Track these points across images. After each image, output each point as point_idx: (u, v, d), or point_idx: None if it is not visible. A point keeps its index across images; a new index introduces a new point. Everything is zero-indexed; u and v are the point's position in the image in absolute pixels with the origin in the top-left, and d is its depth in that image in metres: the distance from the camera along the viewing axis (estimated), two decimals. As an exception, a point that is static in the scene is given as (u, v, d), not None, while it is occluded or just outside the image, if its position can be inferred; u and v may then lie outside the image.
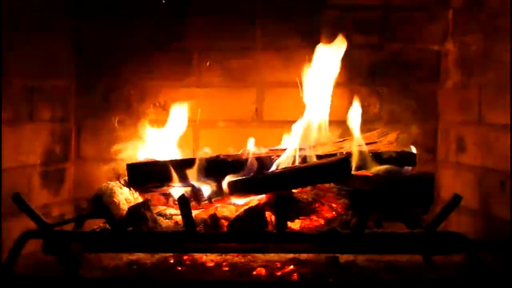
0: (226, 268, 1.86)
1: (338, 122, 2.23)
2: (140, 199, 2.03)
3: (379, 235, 1.87)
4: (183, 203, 1.79)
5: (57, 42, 2.35)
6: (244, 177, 1.97)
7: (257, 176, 1.97)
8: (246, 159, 2.01)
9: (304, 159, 2.05)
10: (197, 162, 2.01)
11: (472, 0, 2.25)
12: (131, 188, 2.04)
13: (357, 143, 2.10)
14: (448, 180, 2.36)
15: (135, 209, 1.90)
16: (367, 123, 2.27)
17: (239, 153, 2.10)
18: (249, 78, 2.48)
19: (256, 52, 2.46)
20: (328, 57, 2.21)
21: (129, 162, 2.07)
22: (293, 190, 1.99)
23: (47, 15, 2.27)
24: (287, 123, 2.20)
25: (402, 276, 1.81)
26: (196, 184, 2.01)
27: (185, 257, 1.93)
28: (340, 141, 2.18)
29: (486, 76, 2.12)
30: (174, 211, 2.05)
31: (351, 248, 1.89)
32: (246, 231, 1.85)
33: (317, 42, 2.22)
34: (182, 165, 2.01)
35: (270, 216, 1.91)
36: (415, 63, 2.45)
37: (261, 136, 2.20)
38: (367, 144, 2.10)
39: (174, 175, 1.99)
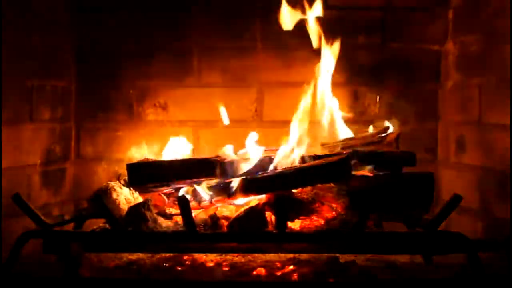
0: (226, 268, 1.86)
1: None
2: (140, 199, 2.02)
3: (379, 235, 1.87)
4: (183, 203, 1.79)
5: (57, 42, 2.35)
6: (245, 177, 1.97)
7: (257, 176, 1.97)
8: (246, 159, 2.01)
9: (304, 159, 2.05)
10: (197, 162, 2.01)
11: (472, 0, 2.25)
12: (131, 188, 2.04)
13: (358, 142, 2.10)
14: (448, 180, 2.36)
15: (135, 209, 1.90)
16: (367, 123, 2.27)
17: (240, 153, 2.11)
18: (249, 78, 2.47)
19: (256, 52, 2.45)
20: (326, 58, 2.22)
21: (129, 162, 2.07)
22: (293, 190, 1.99)
23: (47, 16, 2.26)
24: (287, 123, 2.19)
25: (402, 276, 1.81)
26: (196, 184, 2.01)
27: (185, 257, 1.93)
28: (341, 141, 2.18)
29: (486, 76, 2.12)
30: (174, 211, 2.05)
31: (351, 248, 1.89)
32: (246, 231, 1.85)
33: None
34: (182, 165, 2.01)
35: (270, 216, 1.91)
36: (415, 63, 2.45)
37: (261, 136, 2.19)
38: (367, 144, 2.10)
39: (174, 175, 1.99)
